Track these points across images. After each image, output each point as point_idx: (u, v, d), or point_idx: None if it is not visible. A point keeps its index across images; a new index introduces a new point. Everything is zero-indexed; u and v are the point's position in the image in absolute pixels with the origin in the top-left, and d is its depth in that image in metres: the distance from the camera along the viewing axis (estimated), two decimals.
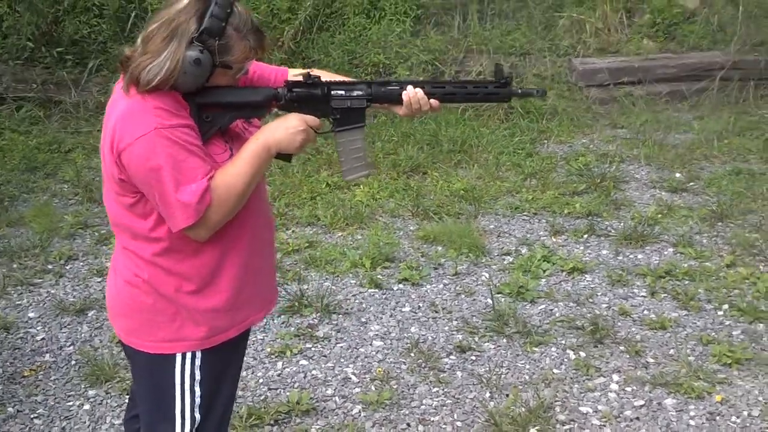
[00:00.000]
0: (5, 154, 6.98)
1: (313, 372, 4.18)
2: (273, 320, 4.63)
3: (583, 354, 4.29)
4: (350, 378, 4.14)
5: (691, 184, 6.45)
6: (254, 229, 2.50)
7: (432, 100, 2.53)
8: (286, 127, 2.38)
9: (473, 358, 4.29)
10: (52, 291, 4.98)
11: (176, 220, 2.24)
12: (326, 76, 2.59)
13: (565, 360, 4.24)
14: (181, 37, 2.19)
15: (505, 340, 4.42)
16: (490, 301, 4.75)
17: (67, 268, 5.27)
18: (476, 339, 4.44)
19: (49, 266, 5.27)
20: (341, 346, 4.41)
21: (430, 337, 4.48)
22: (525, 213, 5.98)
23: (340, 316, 4.69)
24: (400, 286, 5.02)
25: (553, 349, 4.35)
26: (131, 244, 2.40)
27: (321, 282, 5.05)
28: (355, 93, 2.50)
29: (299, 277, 5.09)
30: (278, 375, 4.17)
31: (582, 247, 5.45)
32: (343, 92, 2.49)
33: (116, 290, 2.50)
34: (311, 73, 2.47)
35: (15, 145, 7.10)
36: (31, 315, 4.73)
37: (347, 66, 7.94)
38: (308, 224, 5.85)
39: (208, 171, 2.26)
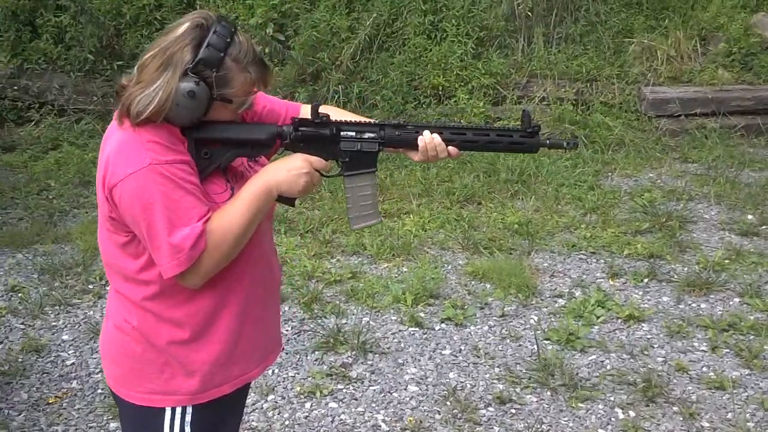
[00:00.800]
0: (61, 167, 6.96)
1: (342, 416, 3.96)
2: (306, 357, 4.42)
3: (632, 414, 3.96)
4: (380, 426, 3.90)
5: (764, 227, 6.02)
6: (254, 274, 2.31)
7: (450, 147, 2.34)
8: (288, 169, 2.19)
9: (513, 411, 3.99)
10: (89, 313, 4.86)
11: (167, 265, 2.06)
12: (337, 113, 2.39)
13: (613, 419, 3.92)
14: (175, 67, 2.04)
15: (549, 393, 4.12)
16: (536, 347, 4.44)
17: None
18: (518, 390, 4.15)
19: (90, 286, 5.18)
20: (374, 390, 4.17)
21: (468, 385, 4.20)
22: (582, 252, 5.64)
23: (377, 355, 4.45)
24: (443, 325, 4.75)
25: (601, 406, 4.03)
26: (122, 286, 2.23)
27: (360, 317, 4.82)
28: (367, 135, 2.31)
29: (338, 310, 4.87)
30: (305, 417, 3.96)
31: (641, 293, 5.10)
32: (353, 134, 2.30)
33: (106, 335, 2.34)
34: (320, 110, 2.27)
35: (71, 158, 7.09)
36: (64, 337, 4.62)
37: (406, 87, 7.72)
38: (354, 253, 5.62)
39: (205, 213, 2.08)
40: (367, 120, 2.36)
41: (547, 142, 2.41)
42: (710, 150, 7.42)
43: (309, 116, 2.27)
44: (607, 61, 8.09)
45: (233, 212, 2.12)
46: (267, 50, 7.93)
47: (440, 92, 7.77)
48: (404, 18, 8.12)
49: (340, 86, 7.71)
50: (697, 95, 7.82)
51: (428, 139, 2.31)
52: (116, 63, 8.07)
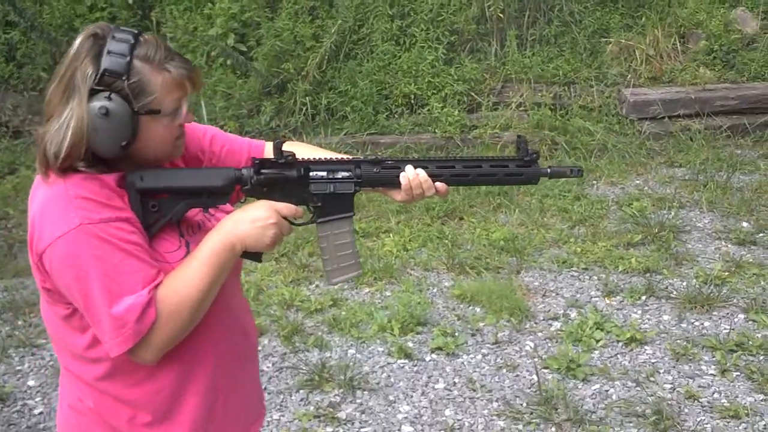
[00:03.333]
0: (18, 194, 6.52)
1: None
2: (291, 396, 4.10)
3: None
4: None
5: (761, 235, 5.75)
6: (221, 342, 2.01)
7: (438, 183, 2.05)
8: (252, 220, 1.88)
9: None
10: (56, 355, 4.42)
11: (111, 342, 1.76)
12: (306, 151, 2.10)
13: None
14: (79, 88, 1.75)
15: (553, 429, 3.82)
16: (535, 377, 4.15)
17: None
18: (520, 427, 3.85)
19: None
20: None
21: (467, 423, 3.90)
22: (574, 268, 5.34)
23: (366, 392, 4.13)
24: (433, 356, 4.44)
25: None
26: (71, 364, 1.96)
27: (345, 349, 4.50)
28: (340, 175, 2.02)
29: (321, 342, 4.54)
30: None
31: (640, 312, 4.81)
32: (324, 174, 2.01)
33: (62, 417, 2.06)
34: (284, 148, 1.96)
35: (29, 183, 6.51)
36: (30, 383, 4.29)
37: (376, 96, 7.39)
38: None
39: (153, 277, 1.79)
40: (341, 157, 2.08)
41: (548, 170, 2.13)
42: (696, 153, 7.16)
43: (272, 156, 1.99)
44: (584, 62, 7.82)
45: (190, 274, 1.82)
46: (229, 62, 7.59)
47: (412, 101, 7.45)
48: (371, 24, 7.77)
49: (307, 98, 7.36)
50: (680, 96, 7.56)
51: (412, 175, 2.02)
52: None
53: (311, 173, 2.00)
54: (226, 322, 2.02)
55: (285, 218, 1.93)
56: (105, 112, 1.73)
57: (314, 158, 2.03)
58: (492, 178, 2.11)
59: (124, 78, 1.75)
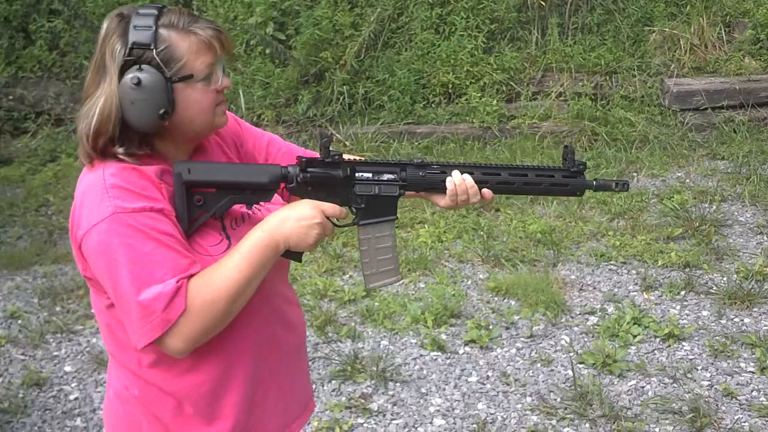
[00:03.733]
0: (59, 181, 6.60)
1: None
2: (323, 387, 4.08)
3: None
4: None
5: None
6: (261, 334, 1.99)
7: (483, 190, 2.05)
8: (297, 218, 1.86)
9: None
10: (92, 341, 4.53)
11: (138, 331, 1.74)
12: (348, 156, 2.07)
13: None
14: (110, 67, 1.78)
15: (588, 425, 3.76)
16: (570, 372, 4.08)
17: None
18: (554, 422, 3.80)
19: (92, 311, 4.76)
20: (397, 424, 3.82)
21: (499, 417, 3.85)
22: (612, 262, 5.26)
23: (398, 384, 4.10)
24: (467, 349, 4.39)
25: None
26: (117, 352, 1.94)
27: (378, 340, 4.47)
28: (385, 177, 2.00)
29: (354, 333, 4.52)
30: None
31: (679, 307, 4.72)
32: (369, 175, 1.99)
33: (108, 403, 2.05)
34: (331, 149, 1.95)
35: (70, 170, 6.70)
36: (67, 369, 4.32)
37: (414, 86, 7.33)
38: None
39: (184, 267, 1.75)
40: (385, 159, 2.07)
41: (594, 183, 2.11)
42: (740, 145, 7.03)
43: (317, 155, 1.99)
44: (627, 51, 7.70)
45: (229, 267, 1.79)
46: (268, 51, 7.57)
47: (450, 90, 7.39)
48: (410, 12, 7.73)
49: (344, 87, 7.33)
50: (724, 86, 7.42)
51: (458, 180, 2.02)
52: None
53: (357, 174, 1.98)
54: (268, 316, 2.00)
55: (328, 218, 1.92)
56: (137, 82, 1.74)
57: (360, 160, 2.01)
58: (537, 187, 2.10)
59: (152, 48, 1.76)
